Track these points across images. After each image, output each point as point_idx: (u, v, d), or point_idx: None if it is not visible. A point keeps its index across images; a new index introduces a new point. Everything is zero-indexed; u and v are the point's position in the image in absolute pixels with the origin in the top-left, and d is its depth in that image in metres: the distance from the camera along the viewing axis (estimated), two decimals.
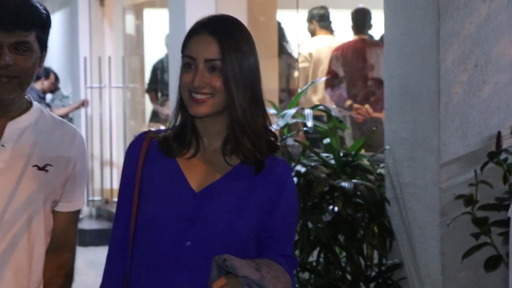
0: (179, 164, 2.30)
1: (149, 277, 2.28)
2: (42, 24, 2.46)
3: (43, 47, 2.49)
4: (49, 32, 2.51)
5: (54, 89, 10.99)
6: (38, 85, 10.18)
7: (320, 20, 7.72)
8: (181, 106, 2.32)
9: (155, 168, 2.32)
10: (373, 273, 4.31)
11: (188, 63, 2.25)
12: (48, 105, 10.36)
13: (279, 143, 2.36)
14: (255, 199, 2.27)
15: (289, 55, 7.78)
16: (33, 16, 2.42)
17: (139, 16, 10.69)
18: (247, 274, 2.16)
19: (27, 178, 2.47)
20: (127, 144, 11.12)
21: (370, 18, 7.30)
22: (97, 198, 10.29)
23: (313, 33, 7.77)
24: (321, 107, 4.64)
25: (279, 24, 7.67)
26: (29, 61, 2.43)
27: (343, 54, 7.18)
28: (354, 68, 7.21)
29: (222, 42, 2.23)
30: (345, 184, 4.20)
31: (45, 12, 2.48)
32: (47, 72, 10.36)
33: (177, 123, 2.34)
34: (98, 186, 10.29)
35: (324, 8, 7.76)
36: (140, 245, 2.31)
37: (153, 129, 2.43)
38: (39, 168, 2.49)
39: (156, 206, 2.28)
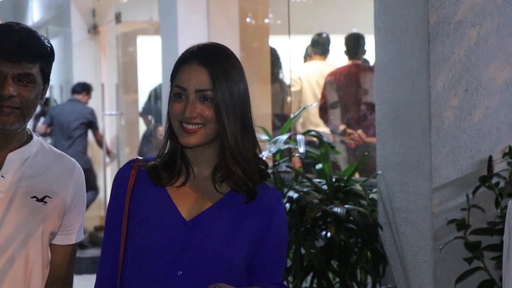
0: (168, 192, 2.29)
1: None
2: (46, 57, 2.48)
3: (46, 79, 2.50)
4: (52, 65, 2.52)
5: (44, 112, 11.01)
6: (80, 97, 10.25)
7: (312, 46, 7.76)
8: (170, 134, 2.32)
9: (144, 197, 2.31)
10: None
11: (178, 93, 2.25)
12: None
13: (269, 171, 2.34)
14: (246, 227, 2.27)
15: (282, 80, 7.81)
16: (37, 48, 2.44)
17: (132, 43, 10.71)
18: None
19: (25, 209, 2.47)
20: None
21: (363, 43, 7.32)
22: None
23: (308, 59, 7.81)
24: (313, 132, 4.65)
25: (272, 50, 7.69)
26: (32, 93, 2.44)
27: (336, 79, 7.20)
28: (347, 93, 7.23)
29: (212, 72, 2.23)
30: (337, 209, 4.19)
31: (49, 45, 2.49)
32: (88, 88, 10.40)
33: (166, 151, 2.33)
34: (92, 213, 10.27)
35: (320, 34, 7.79)
36: (130, 274, 2.29)
37: (140, 157, 2.42)
38: (38, 200, 2.49)
39: (147, 235, 2.26)
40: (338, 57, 7.70)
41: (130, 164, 2.37)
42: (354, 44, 7.27)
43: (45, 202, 2.50)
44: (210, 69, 2.23)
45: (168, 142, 2.33)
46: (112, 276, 2.33)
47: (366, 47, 7.30)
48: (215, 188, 2.29)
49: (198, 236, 2.23)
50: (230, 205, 2.27)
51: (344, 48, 7.31)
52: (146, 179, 2.32)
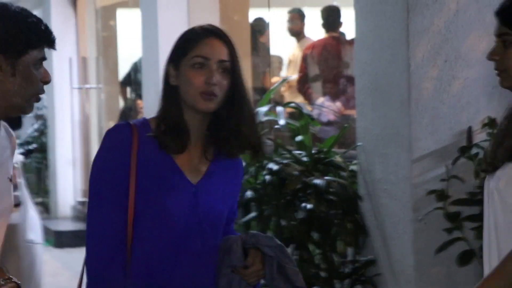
0: (174, 159, 2.48)
1: (154, 265, 2.45)
2: None
3: None
4: None
5: None
6: None
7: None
8: (172, 102, 2.48)
9: (152, 163, 2.47)
10: (347, 270, 4.31)
11: (199, 63, 2.45)
12: None
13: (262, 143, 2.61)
14: (230, 188, 2.59)
15: (262, 53, 7.79)
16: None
17: (112, 16, 10.63)
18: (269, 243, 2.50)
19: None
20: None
21: (339, 16, 7.32)
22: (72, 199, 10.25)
23: None
24: (292, 104, 4.64)
25: (258, 20, 7.65)
26: None
27: (315, 52, 7.19)
28: (325, 66, 7.22)
29: (230, 47, 2.49)
30: (318, 181, 4.20)
31: None
32: None
33: (166, 117, 2.48)
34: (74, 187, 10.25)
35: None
36: (141, 235, 2.45)
37: (130, 122, 2.51)
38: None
39: (162, 199, 2.45)
40: (317, 31, 7.69)
41: (127, 128, 2.48)
42: (331, 16, 7.27)
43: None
44: (228, 44, 2.49)
45: (169, 112, 2.48)
46: (116, 235, 2.44)
47: (342, 20, 7.29)
48: (204, 155, 2.53)
49: (203, 198, 2.50)
50: (218, 169, 2.54)
51: (321, 21, 7.29)
52: (150, 145, 2.47)
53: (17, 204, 4.70)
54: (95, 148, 10.32)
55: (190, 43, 2.47)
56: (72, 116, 10.32)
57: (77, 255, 2.39)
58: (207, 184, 2.51)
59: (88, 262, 2.46)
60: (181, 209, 2.46)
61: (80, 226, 9.70)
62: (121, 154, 2.44)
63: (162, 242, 2.45)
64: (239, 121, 2.50)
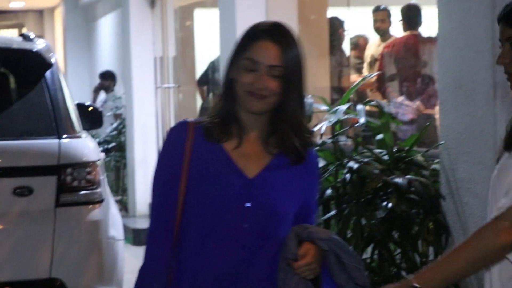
0: (229, 153, 2.50)
1: (205, 257, 2.46)
2: None
3: None
4: None
5: (108, 90, 11.13)
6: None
7: None
8: (227, 98, 2.51)
9: (205, 157, 2.50)
10: None
11: (249, 66, 2.46)
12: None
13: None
14: (297, 185, 2.54)
15: (341, 52, 7.75)
16: None
17: (189, 16, 10.72)
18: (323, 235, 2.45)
19: None
20: None
21: (419, 14, 7.25)
22: None
23: None
24: (373, 102, 4.61)
25: (332, 20, 7.61)
26: None
27: (394, 50, 7.13)
28: (405, 64, 7.16)
29: (284, 50, 2.46)
30: (399, 180, 4.16)
31: None
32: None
33: (219, 112, 2.51)
34: None
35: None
36: (192, 227, 2.48)
37: (190, 119, 2.55)
38: None
39: (213, 191, 2.47)
40: (397, 29, 7.63)
41: (184, 125, 2.53)
42: (411, 14, 7.20)
43: None
44: (282, 48, 2.46)
45: (223, 104, 2.51)
46: (168, 229, 2.49)
47: (422, 18, 7.22)
48: (267, 150, 2.52)
49: (260, 193, 2.49)
50: (281, 165, 2.53)
51: (401, 19, 7.23)
52: (202, 137, 2.51)
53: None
54: None
55: (245, 42, 2.49)
56: (152, 115, 10.42)
57: None
58: (266, 178, 2.50)
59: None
60: (231, 202, 2.47)
61: None
62: (176, 151, 2.50)
63: (211, 234, 2.47)
64: (278, 125, 2.50)
